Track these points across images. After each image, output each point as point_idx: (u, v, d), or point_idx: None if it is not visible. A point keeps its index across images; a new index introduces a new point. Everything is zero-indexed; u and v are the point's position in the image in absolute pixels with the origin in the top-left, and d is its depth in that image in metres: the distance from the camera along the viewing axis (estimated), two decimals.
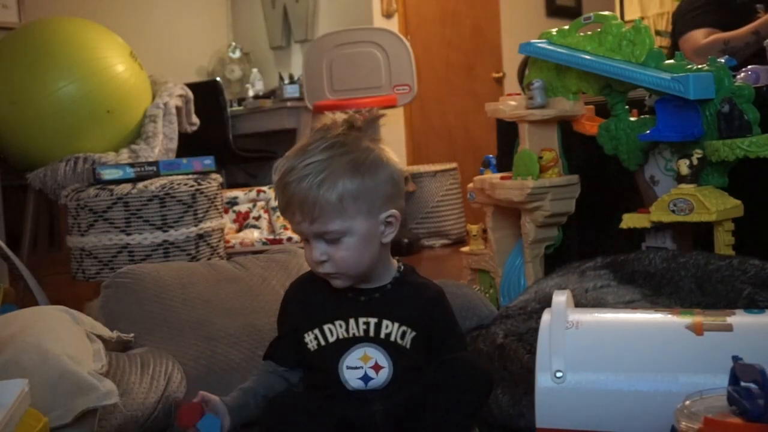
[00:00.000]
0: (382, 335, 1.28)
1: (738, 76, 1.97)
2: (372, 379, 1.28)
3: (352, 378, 1.28)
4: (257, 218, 3.46)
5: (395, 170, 1.28)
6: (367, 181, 1.23)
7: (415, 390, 1.25)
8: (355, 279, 1.29)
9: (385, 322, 1.28)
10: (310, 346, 1.31)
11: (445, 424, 1.20)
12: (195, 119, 3.35)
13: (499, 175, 2.29)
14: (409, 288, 1.32)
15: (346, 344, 1.29)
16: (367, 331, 1.29)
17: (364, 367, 1.28)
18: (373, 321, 1.29)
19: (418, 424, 1.22)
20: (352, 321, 1.29)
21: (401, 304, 1.30)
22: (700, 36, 2.77)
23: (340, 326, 1.29)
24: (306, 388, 1.35)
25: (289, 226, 3.33)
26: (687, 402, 1.02)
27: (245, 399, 1.32)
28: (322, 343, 1.30)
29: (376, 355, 1.28)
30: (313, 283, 1.34)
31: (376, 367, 1.28)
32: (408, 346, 1.29)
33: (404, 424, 1.26)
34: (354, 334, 1.29)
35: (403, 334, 1.28)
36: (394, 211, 1.27)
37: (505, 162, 2.37)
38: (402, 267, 1.35)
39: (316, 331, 1.30)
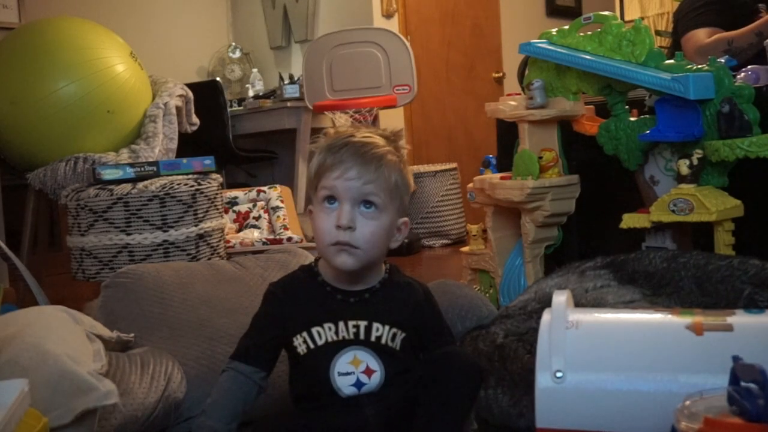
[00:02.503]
0: (373, 338, 1.27)
1: (738, 76, 1.97)
2: (365, 384, 1.26)
3: (345, 385, 1.26)
4: (257, 218, 3.46)
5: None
6: (405, 181, 1.29)
7: (406, 390, 1.25)
8: (362, 263, 1.25)
9: (375, 325, 1.27)
10: (299, 349, 1.28)
11: (439, 420, 1.20)
12: (195, 119, 3.35)
13: (499, 175, 2.29)
14: (396, 288, 1.31)
15: (335, 347, 1.26)
16: (357, 334, 1.27)
17: (355, 372, 1.26)
18: (363, 324, 1.27)
19: (410, 424, 1.22)
20: (341, 324, 1.27)
21: (390, 305, 1.29)
22: (702, 35, 2.77)
23: (330, 329, 1.27)
24: (295, 400, 1.32)
25: (289, 226, 3.34)
26: (687, 402, 1.01)
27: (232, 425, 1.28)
28: (311, 346, 1.27)
29: (366, 358, 1.26)
30: (299, 285, 1.31)
31: (368, 372, 1.26)
32: (398, 347, 1.28)
33: (397, 424, 1.25)
34: (344, 337, 1.27)
35: (394, 336, 1.28)
36: (407, 219, 1.31)
37: (505, 162, 2.37)
38: (388, 267, 1.34)
39: (305, 334, 1.27)
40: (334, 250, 1.24)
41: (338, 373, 1.26)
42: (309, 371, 1.28)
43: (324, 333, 1.27)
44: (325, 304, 1.28)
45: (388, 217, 1.26)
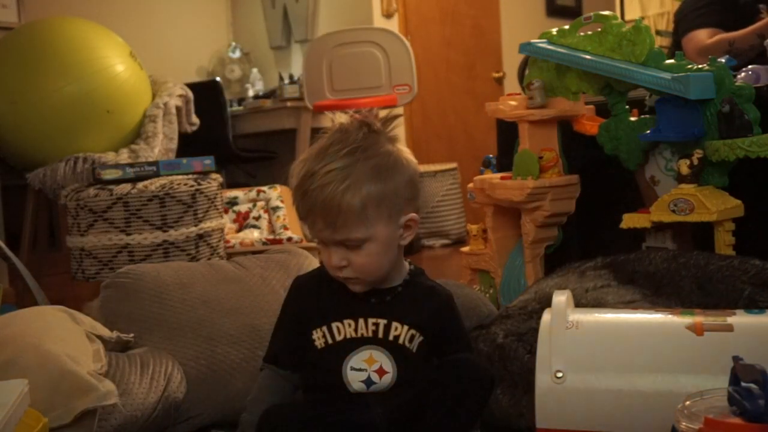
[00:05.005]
0: (391, 337, 1.27)
1: (738, 76, 1.97)
2: (375, 383, 1.27)
3: (354, 380, 1.27)
4: (257, 218, 3.46)
5: (414, 172, 1.27)
6: (389, 185, 1.22)
7: (415, 392, 1.25)
8: (373, 284, 1.28)
9: (394, 324, 1.28)
10: (317, 343, 1.29)
11: (447, 425, 1.20)
12: (195, 119, 3.34)
13: (499, 175, 2.29)
14: (419, 291, 1.32)
15: (352, 344, 1.28)
16: (375, 332, 1.28)
17: (368, 370, 1.27)
18: (382, 322, 1.28)
19: (418, 426, 1.22)
20: (361, 321, 1.28)
21: (412, 307, 1.29)
22: (703, 36, 2.77)
23: (349, 325, 1.28)
24: (305, 389, 1.34)
25: (289, 226, 3.34)
26: (687, 402, 1.01)
27: None
28: (329, 341, 1.29)
29: (381, 358, 1.27)
30: (324, 280, 1.32)
31: (380, 372, 1.27)
32: (414, 350, 1.28)
33: (404, 425, 1.25)
34: (362, 334, 1.28)
35: (412, 337, 1.28)
36: (413, 215, 1.27)
37: (505, 162, 2.37)
38: (412, 268, 1.34)
39: (324, 328, 1.29)
40: (344, 281, 1.27)
41: (351, 368, 1.27)
42: (323, 364, 1.29)
43: (343, 329, 1.28)
44: (347, 301, 1.29)
45: (378, 238, 1.23)
